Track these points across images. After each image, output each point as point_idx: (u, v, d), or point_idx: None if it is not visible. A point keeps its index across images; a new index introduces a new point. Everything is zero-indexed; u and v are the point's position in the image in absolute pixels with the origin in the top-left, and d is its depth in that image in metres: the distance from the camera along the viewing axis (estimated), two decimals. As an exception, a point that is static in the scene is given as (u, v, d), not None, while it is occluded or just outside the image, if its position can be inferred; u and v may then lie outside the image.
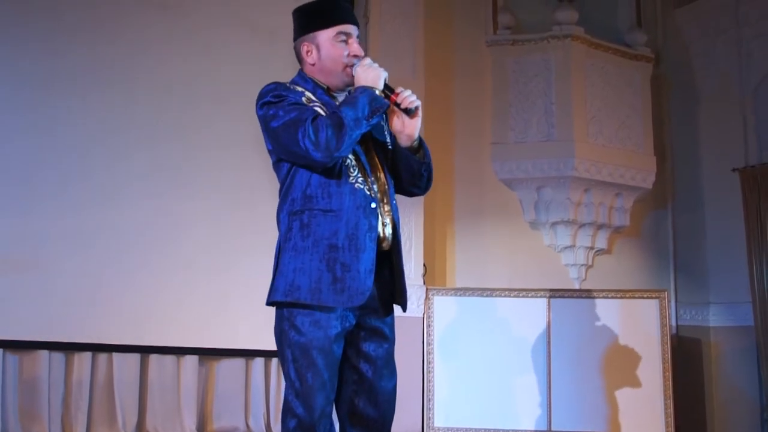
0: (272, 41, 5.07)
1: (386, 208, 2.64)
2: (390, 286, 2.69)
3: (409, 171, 2.74)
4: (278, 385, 4.74)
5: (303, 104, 2.56)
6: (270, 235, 4.71)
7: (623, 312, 5.60)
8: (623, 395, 5.34)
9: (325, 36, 2.66)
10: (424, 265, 5.41)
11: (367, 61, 2.62)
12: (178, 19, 5.05)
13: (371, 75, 2.56)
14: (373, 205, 2.57)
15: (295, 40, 2.77)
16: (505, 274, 5.91)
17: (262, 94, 2.61)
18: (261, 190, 4.80)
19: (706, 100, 7.07)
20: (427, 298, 5.33)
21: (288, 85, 2.65)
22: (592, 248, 6.24)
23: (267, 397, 4.71)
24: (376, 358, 2.67)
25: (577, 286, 6.17)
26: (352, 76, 2.61)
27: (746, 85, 6.79)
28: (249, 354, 4.67)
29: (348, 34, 2.66)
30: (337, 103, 2.61)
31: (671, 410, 5.35)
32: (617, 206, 6.45)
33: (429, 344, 5.26)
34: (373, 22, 5.36)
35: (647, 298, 5.65)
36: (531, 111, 6.09)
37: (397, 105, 2.58)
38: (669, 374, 5.42)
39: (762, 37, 6.68)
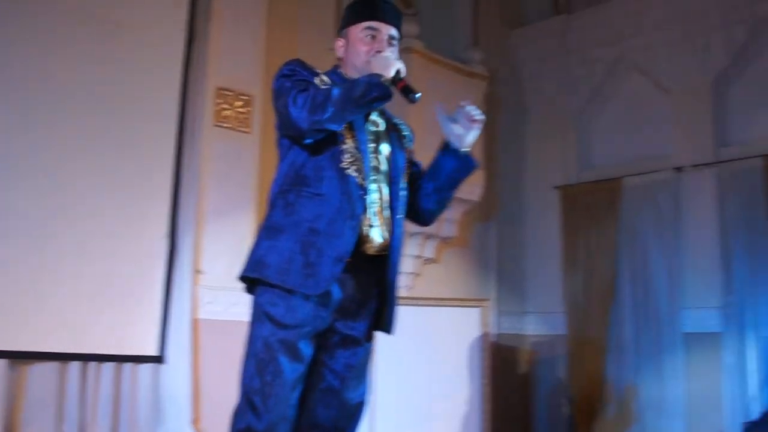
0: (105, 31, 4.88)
1: (385, 214, 2.56)
2: (376, 299, 2.59)
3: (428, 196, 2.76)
4: (96, 391, 4.57)
5: (311, 81, 2.52)
6: (102, 233, 4.61)
7: (447, 319, 5.79)
8: (444, 400, 5.52)
9: (354, 31, 2.65)
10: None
11: (386, 52, 2.56)
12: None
13: (382, 63, 2.48)
14: (362, 194, 2.49)
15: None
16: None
17: (281, 68, 2.57)
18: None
19: (533, 120, 7.46)
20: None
21: (309, 65, 2.60)
22: (420, 257, 6.40)
23: (83, 403, 4.52)
24: (346, 367, 2.55)
25: (404, 294, 6.32)
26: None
27: (570, 108, 7.22)
28: (64, 358, 4.46)
29: (376, 30, 2.62)
30: None
31: (489, 415, 5.58)
32: (446, 217, 6.65)
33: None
34: (215, 21, 5.26)
35: (470, 306, 5.87)
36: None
37: (403, 91, 2.48)
38: (488, 380, 5.65)
39: (586, 65, 7.12)
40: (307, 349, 2.43)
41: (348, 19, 2.69)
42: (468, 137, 2.68)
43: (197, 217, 5.08)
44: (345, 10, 2.75)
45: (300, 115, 2.37)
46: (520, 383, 7.04)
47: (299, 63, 2.57)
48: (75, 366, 4.50)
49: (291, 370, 2.39)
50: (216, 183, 5.23)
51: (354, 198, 2.47)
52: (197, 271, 5.04)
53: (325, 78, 2.58)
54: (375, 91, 2.40)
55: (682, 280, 6.26)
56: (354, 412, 2.59)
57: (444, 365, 5.59)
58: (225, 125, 5.30)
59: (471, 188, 6.61)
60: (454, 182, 2.77)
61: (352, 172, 2.50)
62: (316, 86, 2.49)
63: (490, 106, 7.02)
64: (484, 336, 5.76)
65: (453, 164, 2.72)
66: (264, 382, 2.37)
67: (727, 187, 6.16)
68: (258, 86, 5.48)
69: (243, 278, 2.51)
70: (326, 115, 2.37)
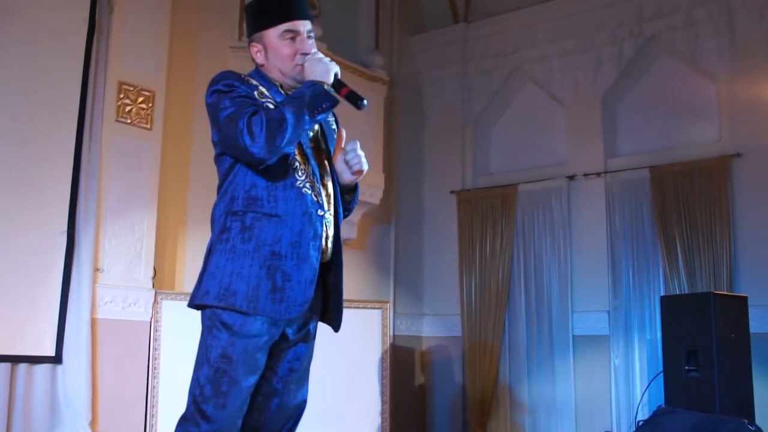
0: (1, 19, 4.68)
1: (329, 218, 2.51)
2: (322, 300, 2.56)
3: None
4: (26, 392, 4.39)
5: (253, 98, 2.40)
6: (7, 233, 4.40)
7: (348, 321, 5.80)
8: (346, 401, 5.56)
9: (272, 35, 2.51)
10: (153, 268, 5.26)
11: (318, 55, 2.47)
12: None
13: (319, 69, 2.41)
14: (320, 213, 2.45)
15: (247, 38, 2.60)
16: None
17: (214, 81, 2.43)
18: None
19: (432, 125, 7.61)
20: (155, 302, 5.19)
21: (243, 76, 2.46)
22: (320, 259, 6.40)
23: (10, 406, 4.33)
24: (290, 371, 2.53)
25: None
26: (303, 73, 2.47)
27: (467, 115, 7.41)
28: None
29: (296, 32, 2.51)
30: None
31: (388, 415, 5.65)
32: (345, 219, 6.69)
33: (155, 350, 5.11)
34: (117, 14, 5.12)
35: (371, 308, 5.93)
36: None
37: (348, 98, 2.42)
38: (388, 381, 5.72)
39: (483, 74, 7.33)
40: (262, 359, 2.41)
41: (259, 22, 2.54)
42: (344, 177, 2.62)
43: (97, 213, 4.93)
44: (249, 12, 2.59)
45: (257, 143, 2.27)
46: (416, 385, 7.15)
47: (234, 76, 2.46)
48: (1, 368, 4.31)
49: (247, 381, 2.36)
50: (116, 180, 5.09)
51: (314, 218, 2.44)
52: (96, 269, 4.90)
53: (262, 89, 2.50)
54: (325, 103, 2.37)
55: (572, 285, 6.52)
56: (292, 414, 2.58)
57: (346, 366, 5.62)
58: (126, 121, 5.17)
59: (372, 191, 6.68)
60: (344, 201, 2.70)
61: (307, 189, 2.46)
62: (260, 105, 2.39)
63: (390, 110, 7.12)
64: (384, 338, 5.83)
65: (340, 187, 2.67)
66: (218, 392, 2.32)
67: (615, 196, 6.47)
68: (161, 82, 5.38)
69: (203, 306, 2.41)
70: (285, 140, 2.31)
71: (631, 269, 6.31)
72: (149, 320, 5.14)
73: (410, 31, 7.62)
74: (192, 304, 2.44)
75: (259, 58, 2.57)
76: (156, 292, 5.21)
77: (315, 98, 2.36)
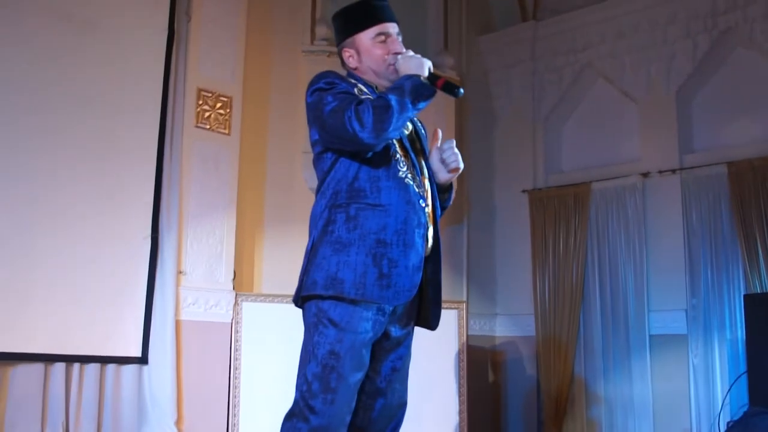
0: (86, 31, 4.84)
1: (429, 212, 2.55)
2: (420, 299, 2.58)
3: None
4: (79, 391, 4.53)
5: (353, 93, 2.49)
6: (85, 234, 4.55)
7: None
8: (423, 401, 5.58)
9: (364, 38, 2.60)
10: (233, 270, 5.37)
11: (409, 52, 2.56)
12: None
13: (413, 63, 2.49)
14: (422, 203, 2.51)
15: (337, 45, 2.69)
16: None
17: (313, 81, 2.52)
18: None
19: (502, 124, 7.58)
20: (236, 303, 5.29)
21: (341, 75, 2.56)
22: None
23: (67, 404, 4.47)
24: (393, 371, 2.57)
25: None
26: (397, 73, 2.55)
27: (537, 114, 7.36)
28: (48, 359, 4.41)
29: (386, 34, 2.60)
30: None
31: (466, 415, 5.65)
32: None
33: (236, 350, 5.22)
34: (194, 22, 5.26)
35: (447, 308, 5.94)
36: (344, 123, 6.20)
37: (444, 88, 2.49)
38: (465, 380, 5.72)
39: (553, 72, 7.27)
40: (368, 355, 2.45)
41: (351, 28, 2.63)
42: (440, 176, 2.67)
43: (179, 217, 5.07)
44: (341, 19, 2.69)
45: (366, 128, 2.35)
46: (491, 385, 7.14)
47: (333, 74, 2.54)
48: (59, 367, 4.46)
49: (354, 377, 2.40)
50: (197, 184, 5.23)
51: (417, 207, 2.49)
52: (179, 272, 5.03)
53: (361, 87, 2.57)
54: (425, 92, 2.43)
55: (648, 283, 6.42)
56: (395, 413, 2.61)
57: (423, 366, 5.64)
58: (205, 126, 5.30)
59: (442, 191, 6.68)
60: (440, 200, 2.73)
61: (409, 180, 2.52)
62: (361, 98, 2.46)
63: (460, 110, 7.12)
64: (461, 338, 5.83)
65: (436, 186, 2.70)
66: (327, 388, 2.35)
67: (691, 192, 6.35)
68: (238, 87, 5.50)
69: (310, 296, 2.43)
70: (392, 125, 2.38)
71: (709, 267, 6.18)
72: (230, 321, 5.25)
73: (479, 30, 7.61)
74: (299, 297, 2.47)
75: (352, 62, 2.64)
76: (236, 294, 5.32)
77: (414, 89, 2.42)
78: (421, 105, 2.45)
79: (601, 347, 6.60)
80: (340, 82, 2.51)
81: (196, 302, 5.10)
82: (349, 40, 2.63)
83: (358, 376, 2.42)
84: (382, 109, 2.36)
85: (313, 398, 2.36)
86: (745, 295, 5.38)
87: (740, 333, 5.85)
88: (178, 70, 5.19)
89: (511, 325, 7.24)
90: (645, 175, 6.58)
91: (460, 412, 5.64)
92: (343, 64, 2.69)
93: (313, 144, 2.57)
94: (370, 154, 2.45)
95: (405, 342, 2.60)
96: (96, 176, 4.75)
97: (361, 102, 2.40)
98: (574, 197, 6.90)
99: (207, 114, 5.30)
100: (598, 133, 7.13)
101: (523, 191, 7.26)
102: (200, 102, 5.28)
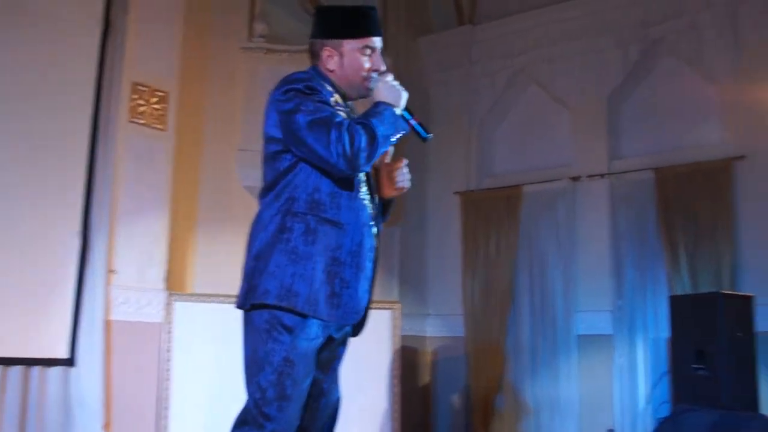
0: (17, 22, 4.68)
1: (375, 233, 2.57)
2: None
3: None
4: (2, 395, 4.37)
5: (332, 105, 2.44)
6: (11, 230, 4.39)
7: (359, 322, 5.83)
8: (355, 402, 5.58)
9: (352, 46, 2.56)
10: (166, 269, 5.27)
11: (390, 77, 2.54)
12: None
13: (394, 94, 2.49)
14: (373, 226, 2.52)
15: (315, 37, 2.61)
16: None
17: (290, 80, 2.44)
18: None
19: (437, 126, 7.60)
20: (168, 303, 5.20)
21: (314, 78, 2.49)
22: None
23: (24, 409, 4.33)
24: (333, 371, 2.61)
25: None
26: (368, 89, 2.54)
27: (472, 117, 7.44)
28: (4, 362, 4.27)
29: (373, 48, 2.57)
30: (353, 114, 2.52)
31: (399, 415, 5.67)
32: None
33: (168, 351, 5.13)
34: (132, 15, 5.13)
35: (381, 308, 5.95)
36: (281, 121, 6.15)
37: (415, 129, 2.50)
38: (398, 381, 5.74)
39: (488, 76, 7.37)
40: (315, 360, 2.45)
41: (342, 30, 2.58)
42: (385, 191, 2.68)
43: (111, 215, 4.94)
44: (333, 16, 2.63)
45: (346, 158, 2.33)
46: (420, 385, 7.19)
47: (314, 80, 2.49)
48: (15, 371, 4.31)
49: (306, 382, 2.41)
50: (130, 181, 5.11)
51: (370, 231, 2.51)
52: (110, 271, 4.91)
53: (337, 98, 2.54)
54: (401, 127, 2.47)
55: (576, 285, 6.57)
56: (333, 411, 2.64)
57: (356, 367, 5.64)
58: (140, 122, 5.19)
59: (376, 192, 6.68)
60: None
61: (367, 202, 2.53)
62: (343, 118, 2.42)
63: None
64: (395, 338, 5.85)
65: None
66: (282, 395, 2.34)
67: (619, 197, 6.52)
68: (174, 82, 5.40)
69: (263, 305, 2.39)
70: (372, 160, 2.40)
71: (634, 270, 6.37)
72: (162, 322, 5.15)
73: (417, 32, 7.65)
74: (249, 303, 2.41)
75: (331, 64, 2.58)
76: (168, 294, 5.22)
77: (394, 124, 2.44)
78: (394, 140, 2.46)
79: (529, 347, 6.72)
80: (321, 89, 2.47)
81: (126, 302, 4.99)
82: (335, 41, 2.58)
83: (309, 381, 2.44)
84: (370, 140, 2.36)
85: (268, 405, 2.34)
86: (670, 297, 5.55)
87: (662, 333, 6.04)
88: (113, 64, 5.05)
89: (441, 326, 7.30)
90: (575, 179, 6.72)
91: (393, 412, 5.66)
92: (314, 57, 2.63)
93: (270, 141, 2.50)
94: (343, 176, 2.43)
95: (345, 342, 2.63)
96: (24, 170, 4.59)
97: (350, 125, 2.36)
98: (506, 200, 7.01)
99: (142, 109, 5.19)
100: (530, 137, 7.25)
101: (456, 193, 7.33)
102: (135, 96, 5.16)
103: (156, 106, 5.26)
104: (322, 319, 2.39)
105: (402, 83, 2.56)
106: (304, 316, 2.37)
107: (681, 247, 6.05)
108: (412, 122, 2.52)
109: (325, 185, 2.44)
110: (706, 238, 5.98)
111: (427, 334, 7.35)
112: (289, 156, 2.46)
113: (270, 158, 2.50)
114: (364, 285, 2.48)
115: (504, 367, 6.79)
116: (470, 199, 7.25)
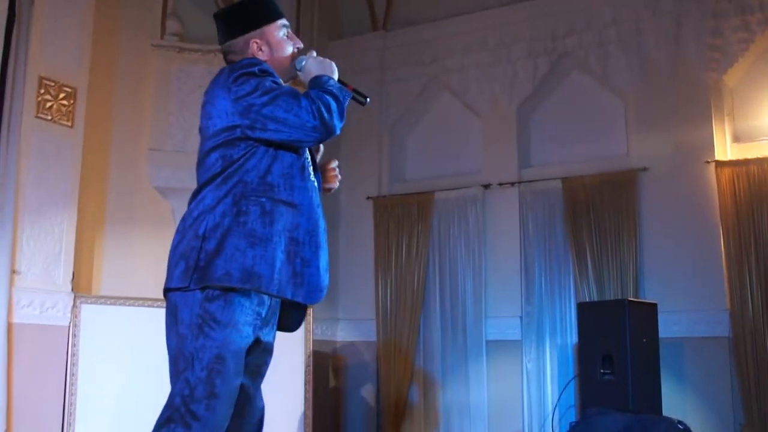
0: None
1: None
2: (283, 304, 2.51)
3: None
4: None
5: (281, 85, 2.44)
6: None
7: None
8: (268, 407, 5.51)
9: (273, 31, 2.59)
10: (72, 270, 5.08)
11: (314, 53, 2.62)
12: None
13: (326, 67, 2.56)
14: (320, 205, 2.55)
15: (234, 36, 2.58)
16: (153, 284, 5.76)
17: (240, 67, 2.42)
18: None
19: (348, 131, 7.58)
20: (74, 305, 5.01)
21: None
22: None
23: None
24: (259, 375, 2.53)
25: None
26: (296, 70, 2.58)
27: (384, 123, 7.48)
28: None
29: (288, 26, 2.63)
30: None
31: (311, 420, 5.63)
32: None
33: (74, 356, 4.94)
34: (38, 6, 4.92)
35: (294, 313, 5.89)
36: (192, 121, 6.03)
37: (355, 95, 2.55)
38: (310, 386, 5.70)
39: (401, 82, 7.43)
40: (244, 361, 2.40)
41: (260, 18, 2.59)
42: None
43: (14, 213, 4.73)
44: (247, 8, 2.63)
45: (323, 120, 2.37)
46: (331, 389, 7.16)
47: (260, 63, 2.48)
48: None
49: (236, 381, 2.35)
50: (35, 178, 4.91)
51: (322, 212, 2.55)
52: (13, 272, 4.69)
53: (279, 81, 2.51)
54: (346, 96, 2.49)
55: (486, 291, 6.68)
56: (260, 418, 2.57)
57: (271, 371, 5.57)
58: (46, 117, 4.99)
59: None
60: None
61: (316, 185, 2.57)
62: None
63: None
64: (307, 342, 5.81)
65: None
66: (212, 393, 2.27)
67: (528, 205, 6.67)
68: (83, 78, 5.22)
69: (227, 288, 2.34)
70: (343, 119, 2.44)
71: (543, 276, 6.52)
72: (68, 325, 4.96)
73: (330, 36, 7.64)
74: (209, 286, 2.32)
75: (263, 56, 2.56)
76: (75, 296, 5.04)
77: (340, 90, 2.48)
78: (346, 105, 2.49)
79: (440, 352, 6.79)
80: (272, 72, 2.48)
81: (31, 304, 4.78)
82: (256, 32, 2.58)
83: (238, 381, 2.37)
84: (338, 104, 2.41)
85: (196, 403, 2.27)
86: (578, 303, 5.72)
87: (570, 339, 6.21)
88: (18, 56, 4.84)
89: (352, 330, 7.30)
90: (486, 186, 6.84)
91: (306, 417, 5.61)
92: (239, 56, 2.57)
93: (222, 130, 2.43)
94: (310, 145, 2.49)
95: (271, 348, 2.58)
96: None
97: (307, 94, 2.40)
98: (418, 206, 7.07)
99: (49, 104, 4.99)
100: (442, 144, 7.34)
101: (368, 198, 7.35)
102: (42, 91, 4.96)
103: (64, 101, 5.07)
104: (287, 298, 2.39)
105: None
106: (241, 305, 2.33)
107: (588, 255, 6.24)
108: (350, 90, 2.56)
109: (277, 167, 2.44)
110: (611, 246, 6.18)
111: (339, 339, 7.33)
112: (244, 144, 2.43)
113: (222, 145, 2.44)
114: (323, 263, 2.49)
115: (414, 372, 6.83)
116: (382, 205, 7.28)
